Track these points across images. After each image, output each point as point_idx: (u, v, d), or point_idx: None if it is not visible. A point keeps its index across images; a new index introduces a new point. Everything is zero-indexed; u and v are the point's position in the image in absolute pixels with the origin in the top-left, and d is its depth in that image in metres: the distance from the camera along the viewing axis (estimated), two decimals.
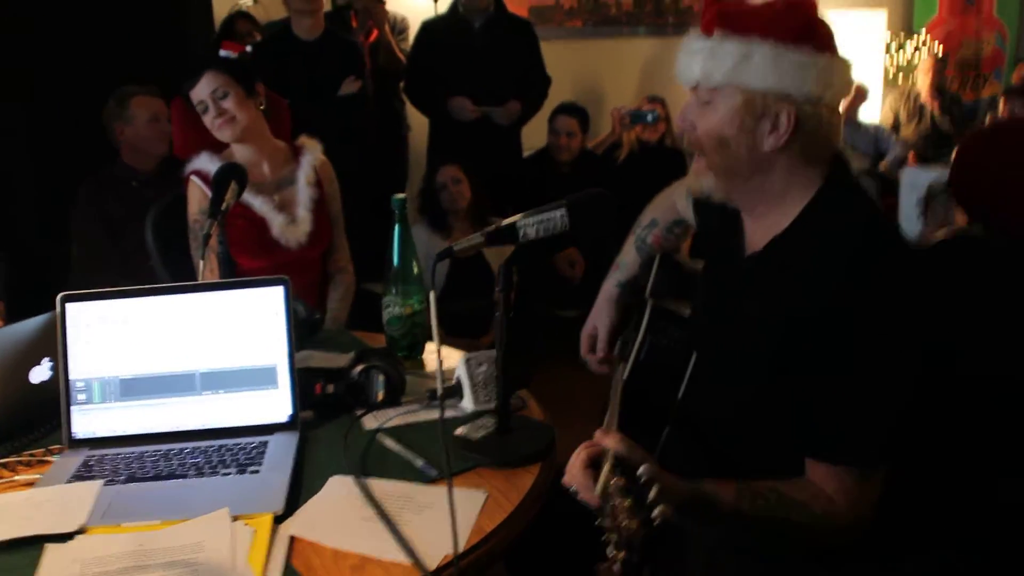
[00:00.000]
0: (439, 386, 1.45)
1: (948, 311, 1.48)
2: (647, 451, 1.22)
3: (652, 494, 1.01)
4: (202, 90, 2.43)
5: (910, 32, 6.94)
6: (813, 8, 1.36)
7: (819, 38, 1.34)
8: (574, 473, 1.24)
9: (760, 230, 1.44)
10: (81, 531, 1.31)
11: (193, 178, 2.53)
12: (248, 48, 2.63)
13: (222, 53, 2.56)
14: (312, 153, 2.64)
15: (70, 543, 1.29)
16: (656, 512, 0.97)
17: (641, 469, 1.07)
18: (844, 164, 1.41)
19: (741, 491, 1.27)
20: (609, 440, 1.20)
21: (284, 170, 2.59)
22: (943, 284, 1.60)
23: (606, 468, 1.14)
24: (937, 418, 1.46)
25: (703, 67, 1.35)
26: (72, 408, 1.60)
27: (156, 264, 2.63)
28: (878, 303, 1.27)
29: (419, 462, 1.50)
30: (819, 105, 1.33)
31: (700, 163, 1.43)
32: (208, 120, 2.46)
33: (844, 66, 1.36)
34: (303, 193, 2.57)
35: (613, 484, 1.08)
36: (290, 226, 2.53)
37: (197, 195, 2.53)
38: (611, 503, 1.05)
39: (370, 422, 1.68)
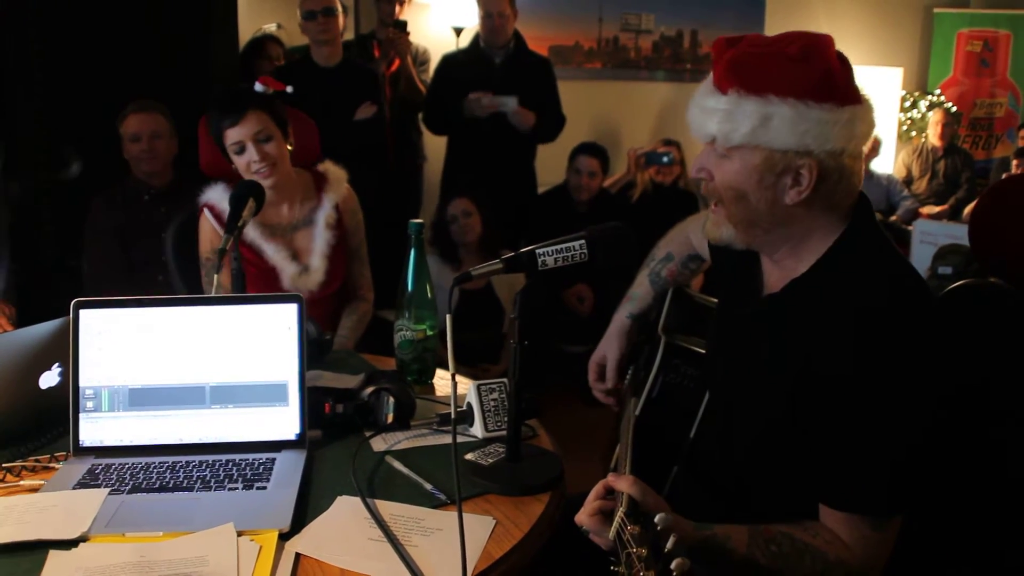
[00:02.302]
0: (452, 410, 1.44)
1: (970, 355, 1.46)
2: (657, 489, 1.20)
3: (669, 545, 1.00)
4: (243, 131, 2.25)
5: (925, 91, 7.00)
6: (830, 53, 1.29)
7: (840, 91, 1.28)
8: (588, 513, 1.23)
9: (779, 271, 1.41)
10: (84, 539, 1.30)
11: (206, 212, 2.40)
12: (289, 89, 2.44)
13: (258, 88, 2.33)
14: (335, 191, 2.48)
15: (74, 550, 1.27)
16: (674, 565, 0.96)
17: (657, 518, 1.05)
18: (867, 205, 1.38)
19: (753, 536, 1.25)
20: (623, 483, 1.19)
21: (304, 210, 2.45)
22: (963, 328, 1.59)
23: (620, 512, 1.13)
24: (959, 467, 1.44)
25: (720, 127, 1.30)
26: (80, 415, 1.59)
27: (175, 279, 2.57)
28: (891, 354, 1.24)
29: (428, 486, 1.49)
30: (842, 156, 1.29)
31: (719, 213, 1.39)
32: (242, 162, 2.28)
33: (867, 111, 1.31)
34: (320, 239, 2.43)
35: (628, 531, 1.06)
36: (302, 276, 2.40)
37: (208, 232, 2.41)
38: (627, 551, 1.04)
39: (378, 444, 1.67)
